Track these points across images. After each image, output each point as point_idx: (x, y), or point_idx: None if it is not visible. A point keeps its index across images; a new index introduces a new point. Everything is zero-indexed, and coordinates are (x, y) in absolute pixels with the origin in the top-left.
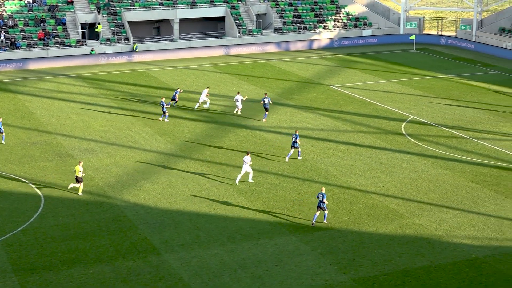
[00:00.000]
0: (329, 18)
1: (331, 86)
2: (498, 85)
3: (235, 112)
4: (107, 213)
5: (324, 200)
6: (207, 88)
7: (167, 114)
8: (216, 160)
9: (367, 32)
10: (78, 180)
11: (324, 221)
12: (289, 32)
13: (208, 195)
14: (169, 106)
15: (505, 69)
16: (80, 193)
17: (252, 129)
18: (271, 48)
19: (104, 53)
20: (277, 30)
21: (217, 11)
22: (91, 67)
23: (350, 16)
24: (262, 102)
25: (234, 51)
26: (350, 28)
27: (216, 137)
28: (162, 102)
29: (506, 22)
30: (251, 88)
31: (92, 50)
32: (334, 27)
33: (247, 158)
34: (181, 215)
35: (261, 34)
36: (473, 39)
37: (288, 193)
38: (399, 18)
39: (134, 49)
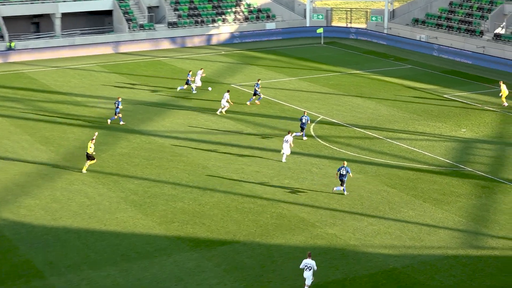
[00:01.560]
0: (229, 10)
1: (232, 85)
2: (412, 80)
3: (218, 112)
4: None
5: (350, 173)
6: (201, 69)
7: (120, 115)
8: (106, 170)
9: (270, 25)
10: (89, 157)
11: (336, 189)
12: (184, 26)
13: (98, 209)
14: (183, 89)
15: (419, 63)
16: (84, 170)
17: (146, 135)
18: (165, 45)
19: None
20: (172, 25)
21: (104, 4)
22: None
23: (252, 8)
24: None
25: (124, 48)
26: (252, 21)
27: (106, 145)
28: (118, 101)
29: (420, 12)
30: (144, 89)
31: None
32: (234, 20)
33: (289, 138)
34: (68, 233)
35: (154, 29)
36: (385, 31)
37: (188, 204)
38: (305, 10)
39: (12, 47)
